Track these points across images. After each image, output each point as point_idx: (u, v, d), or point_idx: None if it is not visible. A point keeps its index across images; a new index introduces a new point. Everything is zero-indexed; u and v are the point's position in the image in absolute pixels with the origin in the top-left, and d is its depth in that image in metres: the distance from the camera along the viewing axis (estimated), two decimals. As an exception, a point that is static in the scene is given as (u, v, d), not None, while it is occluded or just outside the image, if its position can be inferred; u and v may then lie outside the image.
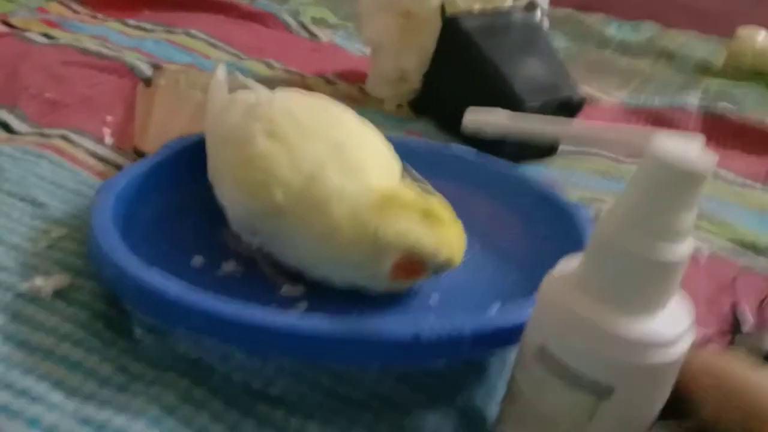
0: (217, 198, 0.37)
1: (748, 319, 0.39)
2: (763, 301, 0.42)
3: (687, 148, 0.21)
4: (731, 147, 0.64)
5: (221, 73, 0.46)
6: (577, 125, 0.24)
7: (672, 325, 0.22)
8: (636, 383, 0.23)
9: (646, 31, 0.99)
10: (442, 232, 0.31)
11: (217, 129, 0.38)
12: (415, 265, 0.32)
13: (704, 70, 0.88)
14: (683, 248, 0.22)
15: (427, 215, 0.31)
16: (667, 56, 0.90)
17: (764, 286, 0.43)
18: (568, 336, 0.23)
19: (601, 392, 0.22)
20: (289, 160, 0.33)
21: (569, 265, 0.24)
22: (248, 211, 0.34)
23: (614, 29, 0.97)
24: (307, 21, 0.83)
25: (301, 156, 0.33)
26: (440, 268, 0.32)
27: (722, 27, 0.99)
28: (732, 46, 0.88)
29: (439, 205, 0.32)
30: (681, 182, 0.21)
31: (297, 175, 0.33)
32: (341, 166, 0.33)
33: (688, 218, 0.21)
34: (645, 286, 0.22)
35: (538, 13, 0.61)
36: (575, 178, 0.54)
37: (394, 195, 0.32)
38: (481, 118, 0.25)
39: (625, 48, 0.92)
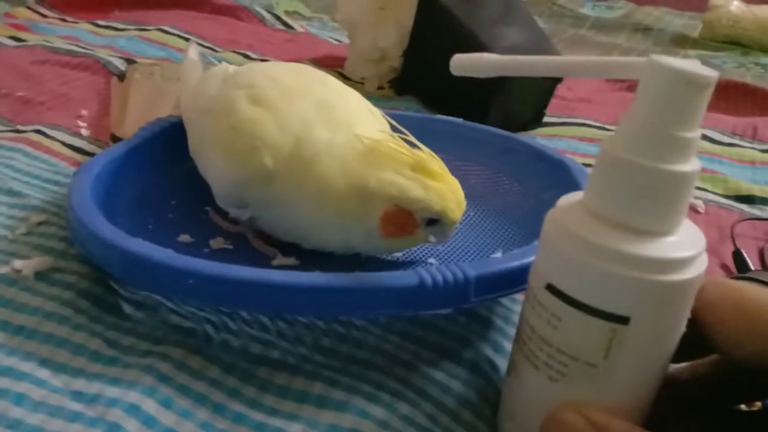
0: (201, 174, 0.36)
1: (750, 264, 0.39)
2: (763, 248, 0.41)
3: (686, 62, 0.20)
4: (716, 109, 0.64)
5: (193, 52, 0.44)
6: (570, 57, 0.24)
7: (687, 244, 0.22)
8: (653, 307, 0.21)
9: (620, 8, 0.99)
10: (432, 183, 0.30)
11: (196, 103, 0.37)
12: (404, 217, 0.30)
13: (681, 41, 0.88)
14: (693, 160, 0.21)
15: (416, 167, 0.30)
16: (643, 30, 0.90)
17: (763, 233, 0.43)
18: (578, 266, 0.22)
19: (617, 321, 0.21)
20: (276, 123, 0.32)
21: (570, 199, 0.23)
22: (236, 181, 0.33)
23: (588, 9, 0.98)
24: (280, 13, 0.82)
25: (287, 118, 0.32)
26: (434, 221, 0.31)
27: (693, 2, 1.00)
28: (707, 16, 0.89)
29: (430, 157, 0.31)
30: (688, 88, 0.20)
31: (285, 137, 0.31)
32: (329, 122, 0.31)
33: (696, 128, 0.21)
34: (658, 200, 0.21)
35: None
36: (562, 146, 0.54)
37: (381, 146, 0.30)
38: (469, 61, 0.24)
39: (600, 25, 0.92)
